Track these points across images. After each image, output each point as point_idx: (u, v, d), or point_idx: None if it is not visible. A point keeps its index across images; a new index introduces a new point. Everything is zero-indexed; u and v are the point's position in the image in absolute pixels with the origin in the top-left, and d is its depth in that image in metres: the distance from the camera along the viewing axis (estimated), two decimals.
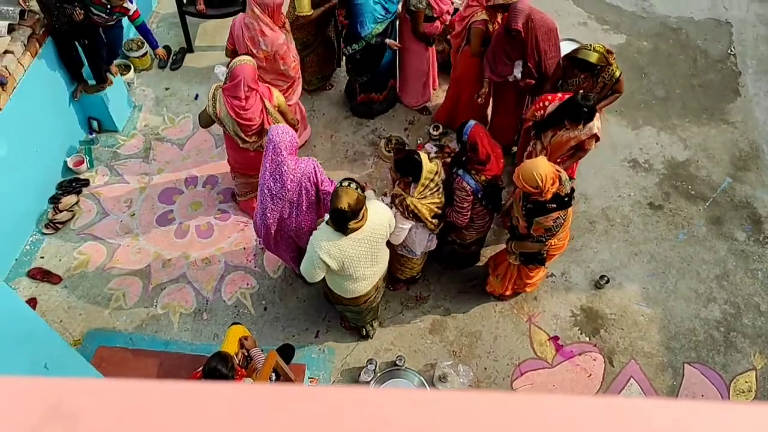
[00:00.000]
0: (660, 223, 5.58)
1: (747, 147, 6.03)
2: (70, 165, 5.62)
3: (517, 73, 4.94)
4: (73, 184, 5.59)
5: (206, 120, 4.67)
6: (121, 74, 6.01)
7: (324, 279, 4.09)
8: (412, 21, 5.35)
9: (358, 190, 3.70)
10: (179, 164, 5.82)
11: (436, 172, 4.15)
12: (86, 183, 5.63)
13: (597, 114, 4.44)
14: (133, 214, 5.52)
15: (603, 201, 5.68)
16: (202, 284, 5.17)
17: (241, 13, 5.02)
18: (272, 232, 4.31)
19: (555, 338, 4.99)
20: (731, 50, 6.74)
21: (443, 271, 5.24)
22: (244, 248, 5.36)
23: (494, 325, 5.04)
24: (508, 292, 4.97)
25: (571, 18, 6.88)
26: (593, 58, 4.51)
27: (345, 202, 3.62)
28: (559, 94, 4.57)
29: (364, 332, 4.88)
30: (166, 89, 6.30)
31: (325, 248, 3.79)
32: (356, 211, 3.69)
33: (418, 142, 5.91)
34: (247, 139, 4.62)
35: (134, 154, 5.87)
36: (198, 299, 5.10)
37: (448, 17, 5.43)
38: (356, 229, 3.78)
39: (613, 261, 5.38)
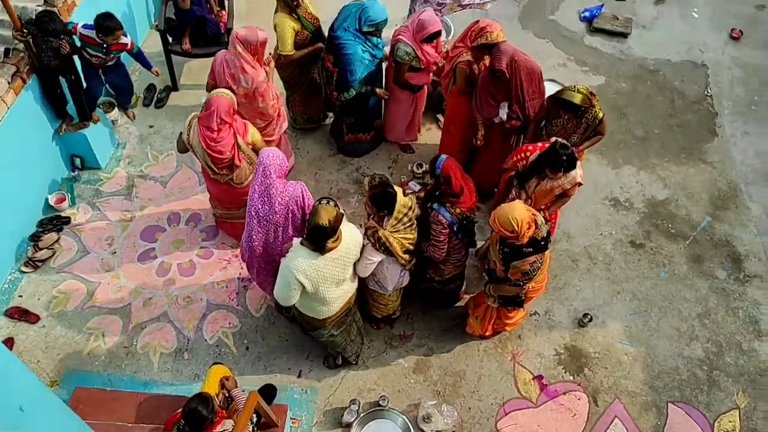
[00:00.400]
0: (641, 262, 5.62)
1: (725, 186, 6.13)
2: (52, 203, 5.58)
3: (503, 114, 5.01)
4: (54, 222, 5.53)
5: (182, 146, 4.72)
6: (106, 112, 6.02)
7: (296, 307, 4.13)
8: (395, 70, 5.43)
9: (337, 208, 3.79)
10: (162, 201, 5.79)
11: (410, 208, 4.16)
12: (67, 221, 5.58)
13: (579, 162, 4.50)
14: (115, 252, 5.46)
15: (585, 239, 5.73)
16: (183, 323, 5.11)
17: (223, 50, 5.08)
18: (256, 255, 4.32)
19: (539, 377, 4.97)
20: (707, 91, 6.90)
21: (426, 309, 5.22)
22: (227, 286, 5.31)
23: (478, 364, 5.01)
24: (488, 333, 4.97)
25: (551, 60, 7.02)
26: (577, 99, 4.58)
27: (325, 218, 3.70)
28: (540, 144, 4.63)
29: (342, 360, 4.87)
30: (150, 127, 6.31)
31: (302, 268, 3.82)
32: (335, 229, 3.78)
33: (402, 179, 5.95)
34: (217, 170, 4.66)
35: (117, 192, 5.84)
36: (179, 338, 5.03)
37: (435, 68, 5.49)
38: (333, 249, 3.85)
39: (596, 299, 5.39)
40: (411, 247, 4.26)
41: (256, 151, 4.65)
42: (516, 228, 3.86)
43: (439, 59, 5.40)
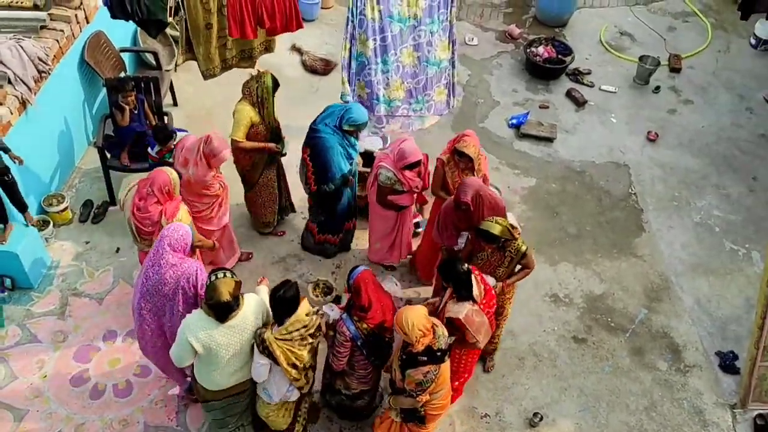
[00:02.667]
0: (585, 356, 5.69)
1: (657, 279, 6.37)
2: None
3: (461, 243, 5.12)
4: None
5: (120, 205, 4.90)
6: (39, 230, 5.89)
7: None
8: (378, 192, 5.58)
9: (234, 277, 3.92)
10: (98, 320, 5.58)
11: (305, 326, 4.05)
12: None
13: (471, 302, 4.35)
14: (45, 376, 5.18)
15: (529, 337, 5.78)
16: None
17: (193, 136, 5.31)
18: (146, 327, 4.36)
19: None
20: (632, 189, 7.29)
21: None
22: (166, 405, 5.07)
23: None
24: None
25: None
26: (496, 230, 4.53)
27: (226, 293, 3.80)
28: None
29: None
30: (87, 242, 6.17)
31: (194, 332, 3.90)
32: (237, 298, 3.87)
33: (345, 285, 5.93)
34: (138, 239, 4.76)
35: (49, 311, 5.61)
36: None
37: (417, 191, 5.63)
38: (231, 319, 3.91)
39: (545, 397, 5.39)
40: (299, 364, 4.09)
41: None
42: (407, 331, 3.89)
43: (420, 183, 5.55)
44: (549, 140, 7.77)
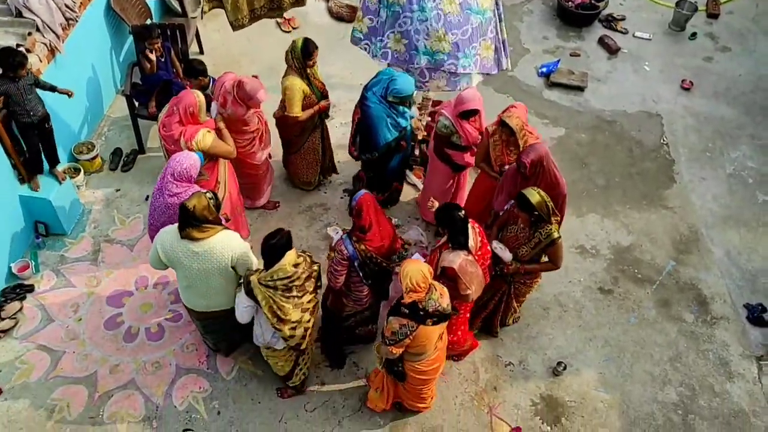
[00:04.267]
0: (611, 308, 5.69)
1: (686, 231, 6.29)
2: (15, 271, 5.45)
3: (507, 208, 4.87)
4: (17, 291, 5.40)
5: None
6: (71, 177, 5.98)
7: None
8: (435, 140, 5.50)
9: (213, 200, 4.11)
10: (129, 265, 5.71)
11: (289, 277, 4.07)
12: (31, 288, 5.45)
13: (466, 252, 4.29)
14: (80, 319, 5.34)
15: (554, 287, 5.78)
16: (151, 390, 4.97)
17: (231, 74, 5.30)
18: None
19: (517, 429, 4.92)
20: (663, 140, 7.14)
21: None
22: (197, 349, 5.21)
23: (455, 418, 4.95)
24: (387, 407, 4.86)
25: None
26: (534, 198, 4.32)
27: (192, 203, 4.01)
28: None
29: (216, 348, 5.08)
30: (117, 190, 6.27)
31: (161, 239, 4.19)
32: (198, 218, 4.01)
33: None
34: (166, 156, 4.92)
35: (82, 257, 5.74)
36: (147, 406, 4.89)
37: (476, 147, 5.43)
38: (191, 239, 4.07)
39: (569, 347, 5.42)
40: (281, 315, 4.13)
41: (208, 154, 4.82)
42: (402, 279, 3.92)
43: (479, 139, 5.32)
44: (580, 89, 7.61)
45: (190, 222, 4.03)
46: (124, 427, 4.77)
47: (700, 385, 5.24)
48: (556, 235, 4.45)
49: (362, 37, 5.55)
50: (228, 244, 4.18)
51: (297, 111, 5.39)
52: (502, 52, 5.69)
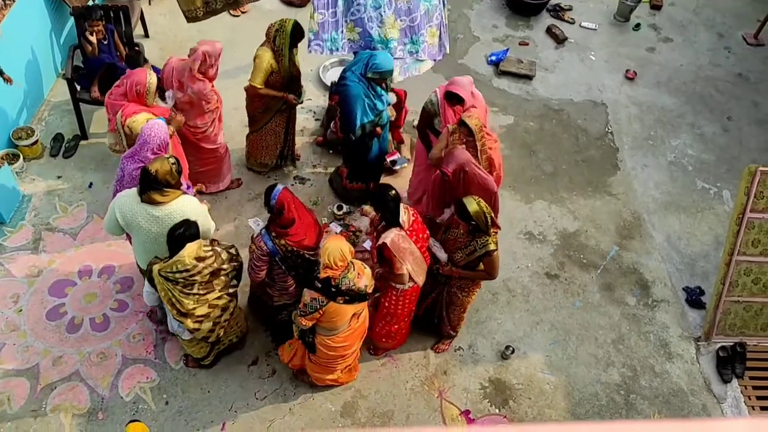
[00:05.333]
0: (557, 292, 5.82)
1: (630, 217, 6.47)
2: None
3: (445, 217, 4.96)
4: None
5: None
6: (9, 163, 5.77)
7: None
8: (422, 114, 5.45)
9: (175, 167, 4.10)
10: (72, 255, 5.55)
11: (188, 271, 4.04)
12: None
13: (398, 228, 4.37)
14: (20, 310, 5.17)
15: (503, 273, 5.85)
16: (97, 381, 4.86)
17: (175, 57, 5.31)
18: None
19: (466, 412, 5.01)
20: (608, 128, 7.31)
21: None
22: (144, 339, 5.11)
23: (406, 403, 5.01)
24: (291, 365, 4.85)
25: None
26: (471, 207, 4.28)
27: (154, 167, 4.02)
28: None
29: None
30: (59, 177, 6.07)
31: (119, 203, 4.21)
32: (160, 182, 4.03)
33: (323, 222, 5.95)
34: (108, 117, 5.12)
35: (22, 246, 5.56)
36: (92, 397, 4.78)
37: None
38: (153, 203, 4.08)
39: (517, 331, 5.53)
40: (181, 308, 4.14)
41: (126, 135, 4.82)
42: (320, 253, 4.04)
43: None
44: (528, 78, 7.71)
45: (152, 185, 4.03)
46: (69, 419, 4.66)
47: (641, 366, 5.42)
48: (492, 247, 4.41)
49: (312, 37, 5.48)
50: (187, 208, 4.20)
51: (258, 82, 5.38)
52: (444, 36, 5.78)
